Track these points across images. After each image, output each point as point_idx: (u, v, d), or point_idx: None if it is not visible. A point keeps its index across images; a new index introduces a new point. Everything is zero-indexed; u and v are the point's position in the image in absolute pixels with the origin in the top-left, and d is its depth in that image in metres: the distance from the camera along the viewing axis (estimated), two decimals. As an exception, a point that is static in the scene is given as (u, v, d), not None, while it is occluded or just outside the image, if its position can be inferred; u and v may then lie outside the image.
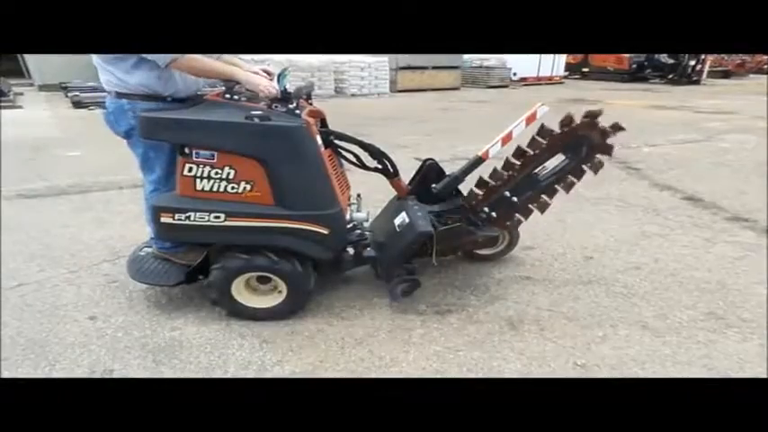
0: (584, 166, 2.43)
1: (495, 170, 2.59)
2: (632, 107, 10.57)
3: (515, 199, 2.54)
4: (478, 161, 2.54)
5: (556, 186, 2.50)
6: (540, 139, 2.45)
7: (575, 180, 2.47)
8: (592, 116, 2.34)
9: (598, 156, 2.39)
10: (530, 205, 2.56)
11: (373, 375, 2.05)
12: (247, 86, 2.19)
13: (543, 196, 2.54)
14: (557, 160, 2.50)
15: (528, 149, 2.49)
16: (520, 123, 2.45)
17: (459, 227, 2.50)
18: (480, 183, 2.66)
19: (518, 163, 2.51)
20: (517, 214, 2.61)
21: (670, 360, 2.14)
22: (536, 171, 2.51)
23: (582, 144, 2.39)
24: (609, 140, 2.36)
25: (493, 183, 2.58)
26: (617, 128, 2.30)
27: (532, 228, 2.88)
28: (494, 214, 2.58)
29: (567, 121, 2.38)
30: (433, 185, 2.64)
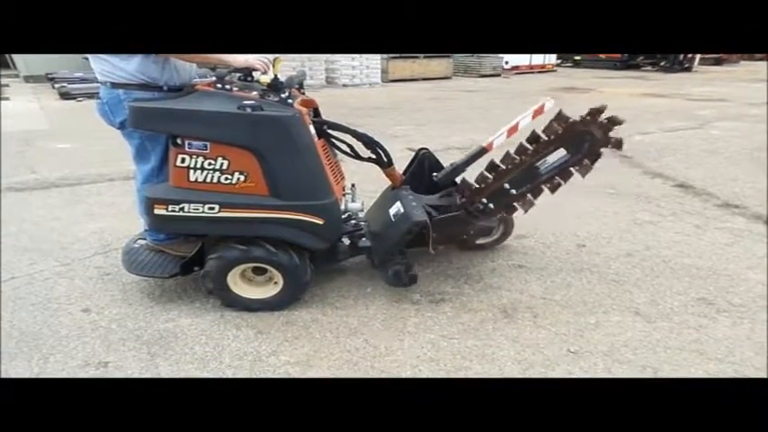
0: (586, 160, 2.41)
1: (492, 163, 2.59)
2: (624, 95, 10.59)
3: (514, 191, 2.51)
4: (482, 152, 2.53)
5: (556, 178, 2.48)
6: (543, 135, 2.43)
7: (574, 172, 2.47)
8: (595, 112, 2.34)
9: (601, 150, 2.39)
10: (529, 196, 2.55)
11: (368, 364, 2.06)
12: (237, 64, 2.20)
13: (543, 186, 2.52)
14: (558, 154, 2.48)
15: (527, 144, 2.46)
16: (526, 116, 2.45)
17: (457, 216, 2.50)
18: (479, 175, 2.65)
19: (519, 157, 2.48)
20: (516, 204, 2.60)
21: (662, 345, 2.17)
22: (537, 165, 2.48)
23: (584, 140, 2.38)
24: (612, 134, 2.36)
25: (492, 175, 2.55)
26: (615, 122, 2.33)
27: (525, 217, 2.89)
28: (491, 206, 2.57)
29: (565, 118, 2.36)
30: (434, 174, 2.62)
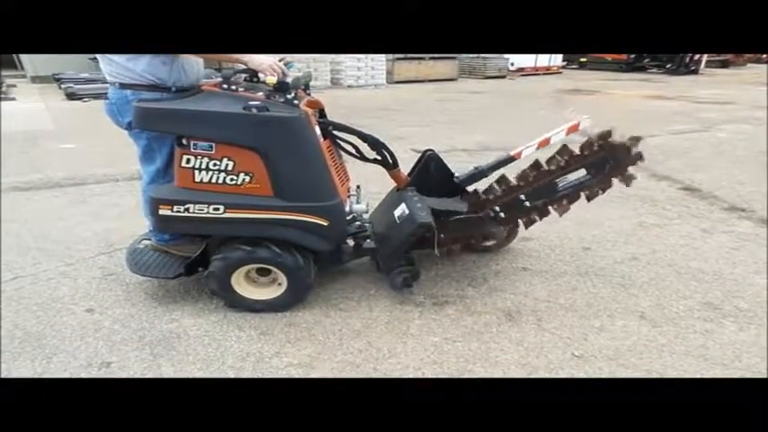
0: (600, 186, 2.49)
1: (521, 172, 2.59)
2: (630, 97, 10.56)
3: (527, 204, 2.54)
4: (509, 160, 2.54)
5: (566, 200, 2.53)
6: (577, 152, 2.46)
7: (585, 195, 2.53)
8: (633, 140, 2.40)
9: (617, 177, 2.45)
10: (534, 214, 2.59)
11: (371, 366, 2.05)
12: (251, 65, 2.19)
13: (550, 207, 2.56)
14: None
15: (560, 158, 2.48)
16: (560, 131, 2.47)
17: (470, 218, 2.51)
18: (498, 181, 2.65)
19: (547, 169, 2.50)
20: (522, 219, 2.64)
21: (667, 350, 2.15)
22: (557, 181, 2.50)
23: (606, 164, 2.42)
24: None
25: (513, 184, 2.57)
26: (636, 142, 2.40)
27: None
28: (502, 214, 2.58)
29: (605, 137, 2.40)
30: (456, 175, 2.63)
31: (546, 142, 2.49)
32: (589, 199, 2.53)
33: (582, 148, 2.45)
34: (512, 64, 15.78)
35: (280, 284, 2.35)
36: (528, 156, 2.51)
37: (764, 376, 1.98)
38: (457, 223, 2.50)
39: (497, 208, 2.57)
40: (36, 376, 1.96)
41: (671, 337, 2.24)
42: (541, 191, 2.51)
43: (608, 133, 2.40)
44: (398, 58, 13.17)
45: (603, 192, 2.50)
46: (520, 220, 2.65)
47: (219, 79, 2.22)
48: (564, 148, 2.47)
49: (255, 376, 1.98)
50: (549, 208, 2.55)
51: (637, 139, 2.40)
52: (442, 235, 2.42)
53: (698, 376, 1.99)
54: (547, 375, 2.01)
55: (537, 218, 2.61)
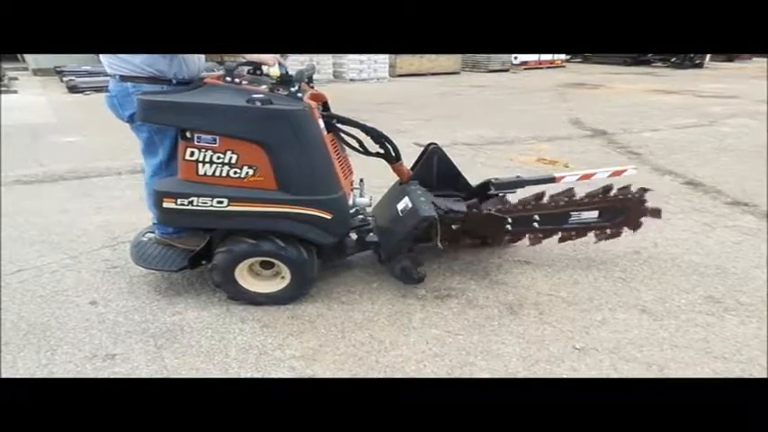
0: (608, 230, 2.68)
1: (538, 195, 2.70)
2: (634, 91, 10.51)
3: (537, 225, 2.65)
4: (550, 180, 2.64)
5: (572, 232, 2.70)
6: (598, 194, 2.63)
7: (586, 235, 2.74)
8: (642, 192, 2.62)
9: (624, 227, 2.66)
10: (541, 235, 2.71)
11: (373, 359, 2.06)
12: (252, 59, 2.23)
13: (539, 234, 2.71)
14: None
15: (582, 197, 2.64)
16: (604, 171, 2.62)
17: (498, 218, 2.55)
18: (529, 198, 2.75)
19: (568, 200, 2.63)
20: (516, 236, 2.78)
21: (668, 343, 2.16)
22: (571, 213, 2.64)
23: (621, 214, 2.62)
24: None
25: (536, 202, 2.66)
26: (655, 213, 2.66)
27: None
28: (509, 227, 2.63)
29: (625, 190, 2.62)
30: (495, 177, 2.68)
31: (588, 177, 2.62)
32: (597, 240, 2.73)
33: (603, 193, 2.62)
34: (515, 57, 15.78)
35: (283, 277, 2.35)
36: (569, 182, 2.64)
37: (764, 376, 1.99)
38: (488, 218, 2.55)
39: (509, 219, 2.61)
40: (39, 371, 1.96)
41: (672, 331, 2.24)
42: (553, 218, 2.64)
43: (642, 191, 2.61)
44: (401, 52, 13.13)
45: (609, 237, 2.71)
46: (512, 235, 2.77)
47: (222, 72, 2.22)
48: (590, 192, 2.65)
49: (258, 369, 1.99)
50: (539, 235, 2.71)
51: (645, 190, 2.61)
52: (454, 226, 2.51)
53: (698, 374, 1.99)
54: (548, 367, 2.01)
55: (540, 239, 2.73)
